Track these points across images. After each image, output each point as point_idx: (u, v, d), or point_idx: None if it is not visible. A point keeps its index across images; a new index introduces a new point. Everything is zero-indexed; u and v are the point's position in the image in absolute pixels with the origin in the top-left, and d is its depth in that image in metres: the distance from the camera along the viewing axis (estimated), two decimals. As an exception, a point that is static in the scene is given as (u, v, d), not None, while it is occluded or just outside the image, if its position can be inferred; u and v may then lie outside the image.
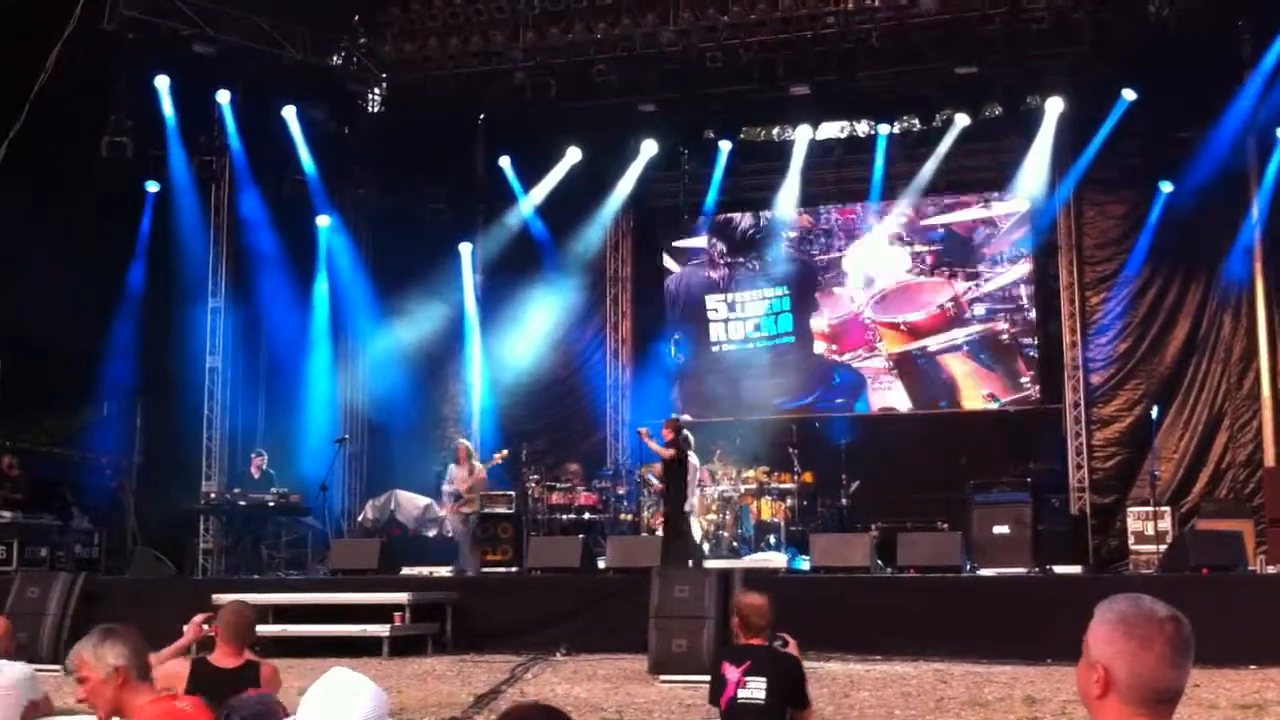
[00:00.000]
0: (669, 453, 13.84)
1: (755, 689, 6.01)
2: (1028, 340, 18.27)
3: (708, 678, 7.35)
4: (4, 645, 6.75)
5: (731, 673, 6.06)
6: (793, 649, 6.56)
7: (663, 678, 8.93)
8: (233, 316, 18.89)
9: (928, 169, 18.18)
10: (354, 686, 2.75)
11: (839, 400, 18.95)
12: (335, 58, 18.94)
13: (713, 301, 19.68)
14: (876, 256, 18.97)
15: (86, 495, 16.98)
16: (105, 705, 4.51)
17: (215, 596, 11.90)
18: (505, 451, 16.06)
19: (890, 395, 18.75)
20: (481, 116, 19.62)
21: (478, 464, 15.79)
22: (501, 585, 13.33)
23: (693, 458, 14.26)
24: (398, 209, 19.49)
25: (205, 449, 18.03)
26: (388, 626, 11.28)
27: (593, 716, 7.42)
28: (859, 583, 11.75)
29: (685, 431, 14.19)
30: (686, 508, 13.62)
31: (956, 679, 9.12)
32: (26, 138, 14.59)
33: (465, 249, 19.84)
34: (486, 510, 15.12)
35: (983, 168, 18.58)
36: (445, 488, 16.07)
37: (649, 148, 19.05)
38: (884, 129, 18.56)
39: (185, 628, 6.62)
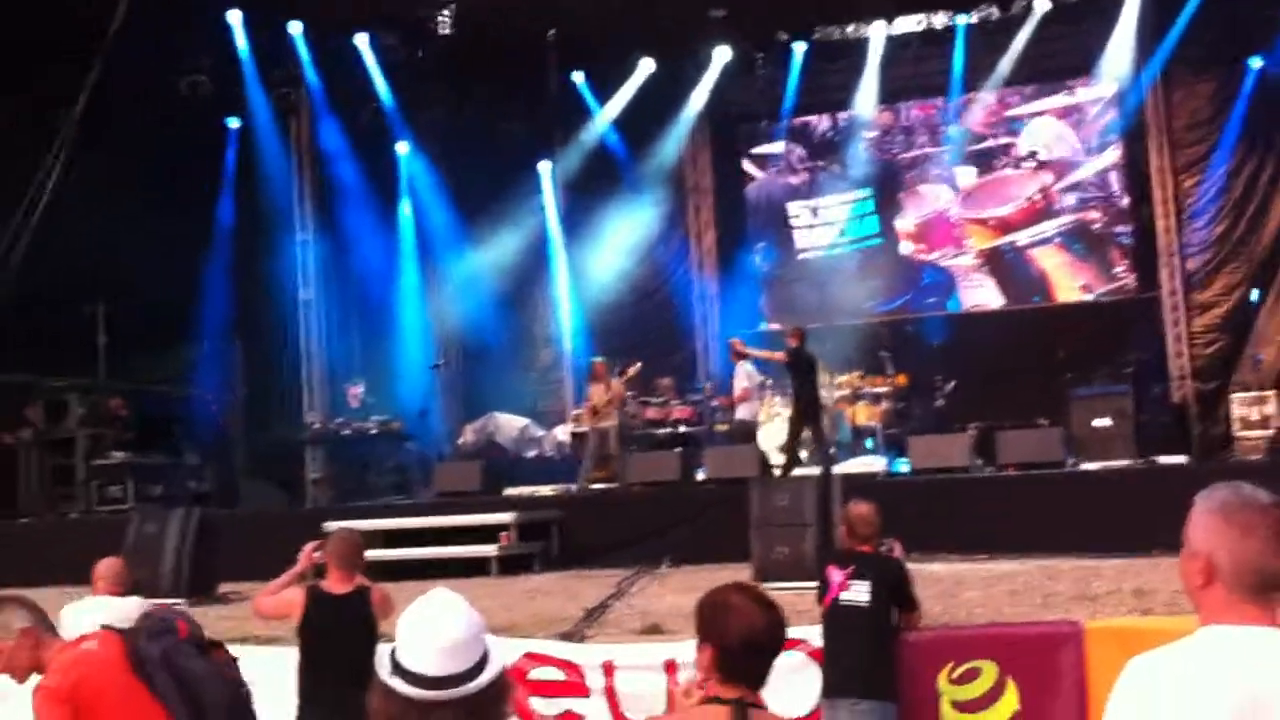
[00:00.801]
0: (779, 355, 14.01)
1: (859, 592, 6.08)
2: (1121, 228, 17.91)
3: (811, 584, 7.44)
4: (119, 583, 6.95)
5: (835, 575, 6.13)
6: (898, 553, 6.60)
7: (766, 585, 9.00)
8: (320, 248, 19.14)
9: (1009, 58, 17.75)
10: (448, 605, 2.79)
11: (930, 300, 18.76)
12: (403, -17, 18.90)
13: (795, 208, 19.50)
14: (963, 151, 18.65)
15: (194, 432, 17.39)
16: (23, 668, 4.57)
17: (325, 525, 12.22)
18: (639, 364, 15.90)
19: (981, 293, 18.52)
20: (552, 33, 19.47)
21: (614, 380, 15.66)
22: (603, 502, 13.49)
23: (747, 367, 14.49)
24: (474, 131, 19.47)
25: (304, 381, 18.37)
26: (495, 546, 11.49)
27: (701, 626, 7.52)
28: (960, 483, 11.72)
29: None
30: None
31: (1063, 574, 9.09)
32: (105, 83, 14.80)
33: (544, 168, 19.83)
34: (581, 430, 15.20)
35: (1066, 53, 18.07)
36: (583, 407, 16.03)
37: (722, 55, 18.81)
38: (962, 19, 18.11)
39: (299, 556, 6.77)
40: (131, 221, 15.48)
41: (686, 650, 6.88)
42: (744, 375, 15.35)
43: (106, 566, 7.04)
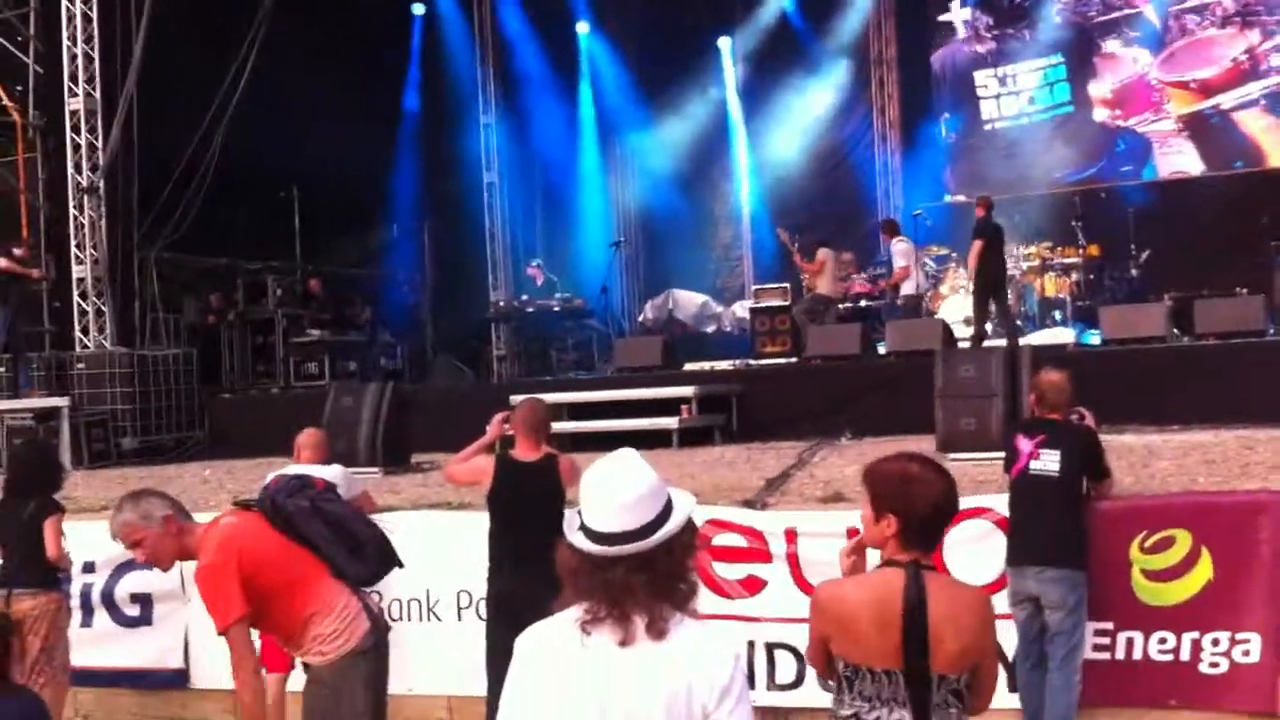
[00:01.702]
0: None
1: (1049, 461, 5.94)
2: (1333, 88, 16.87)
3: (997, 455, 7.32)
4: (321, 452, 7.27)
5: (1025, 444, 6.01)
6: (1089, 422, 6.45)
7: (951, 455, 8.90)
8: (504, 131, 19.36)
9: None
10: (625, 464, 2.85)
11: (1125, 169, 18.04)
12: None
13: (982, 78, 18.86)
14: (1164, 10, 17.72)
15: (386, 311, 17.93)
16: (169, 555, 4.73)
17: (512, 397, 12.51)
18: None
19: (1180, 159, 17.72)
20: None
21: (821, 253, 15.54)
22: (783, 375, 13.47)
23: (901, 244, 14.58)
24: (654, 8, 19.29)
25: (490, 260, 18.73)
26: (676, 419, 11.57)
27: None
28: (1154, 353, 11.32)
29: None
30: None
31: (1262, 444, 8.75)
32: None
33: (724, 43, 19.59)
34: (761, 305, 15.14)
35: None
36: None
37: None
38: None
39: (487, 426, 6.95)
40: (323, 108, 15.89)
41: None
42: (900, 254, 15.04)
43: (309, 436, 7.36)
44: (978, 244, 13.20)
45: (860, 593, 3.31)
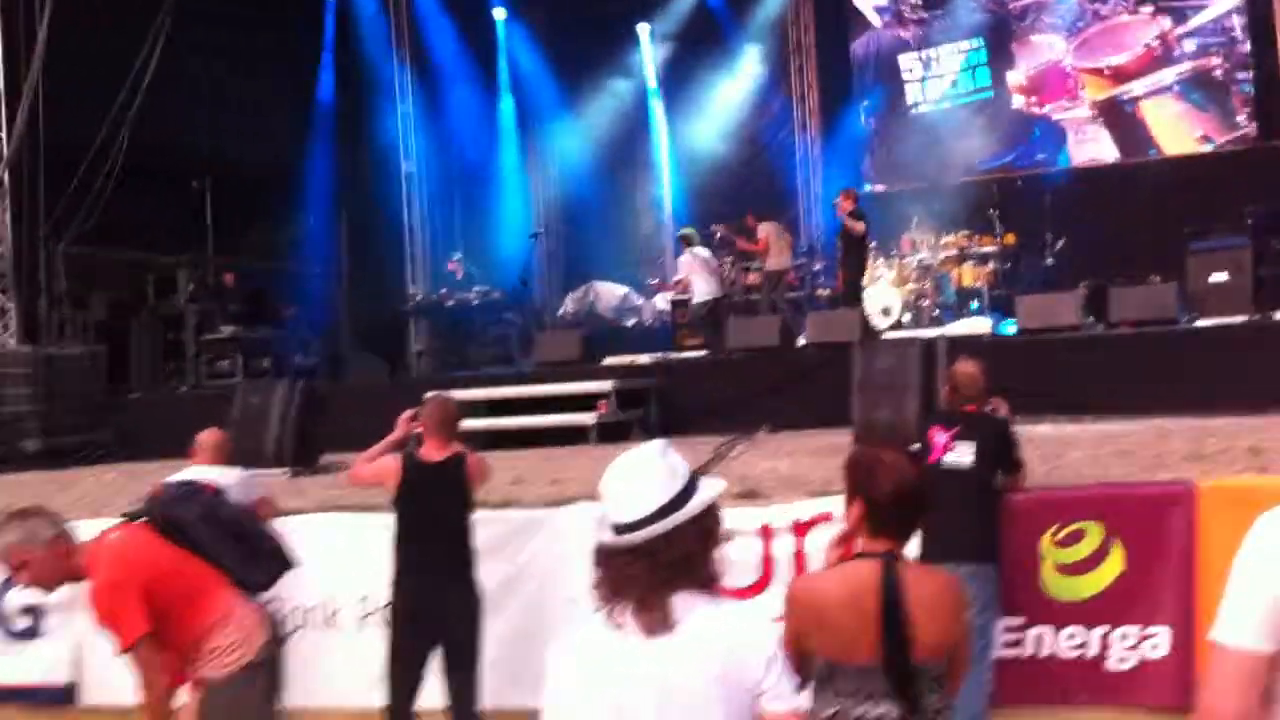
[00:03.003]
0: (860, 226, 13.88)
1: (963, 452, 5.88)
2: (1243, 75, 17.02)
3: (914, 446, 7.28)
4: (219, 454, 7.03)
5: (939, 436, 5.94)
6: (1003, 413, 6.40)
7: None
8: (421, 120, 19.08)
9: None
10: (632, 456, 2.84)
11: (1040, 156, 18.12)
12: None
13: (906, 61, 18.84)
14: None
15: (300, 304, 17.60)
16: (55, 578, 4.55)
17: (427, 395, 12.30)
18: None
19: (1095, 147, 17.85)
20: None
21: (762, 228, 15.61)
22: (702, 368, 13.38)
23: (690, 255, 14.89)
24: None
25: (408, 252, 18.46)
26: (593, 414, 11.47)
27: (799, 489, 7.44)
28: (1069, 342, 11.37)
29: None
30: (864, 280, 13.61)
31: (1175, 434, 8.80)
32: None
33: (643, 30, 19.43)
34: (681, 297, 15.05)
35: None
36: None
37: (827, -99, 18.17)
38: None
39: (396, 425, 6.77)
40: (234, 97, 15.58)
41: (781, 514, 6.84)
42: (680, 265, 15.55)
43: (207, 437, 7.15)
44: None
45: (835, 587, 3.35)
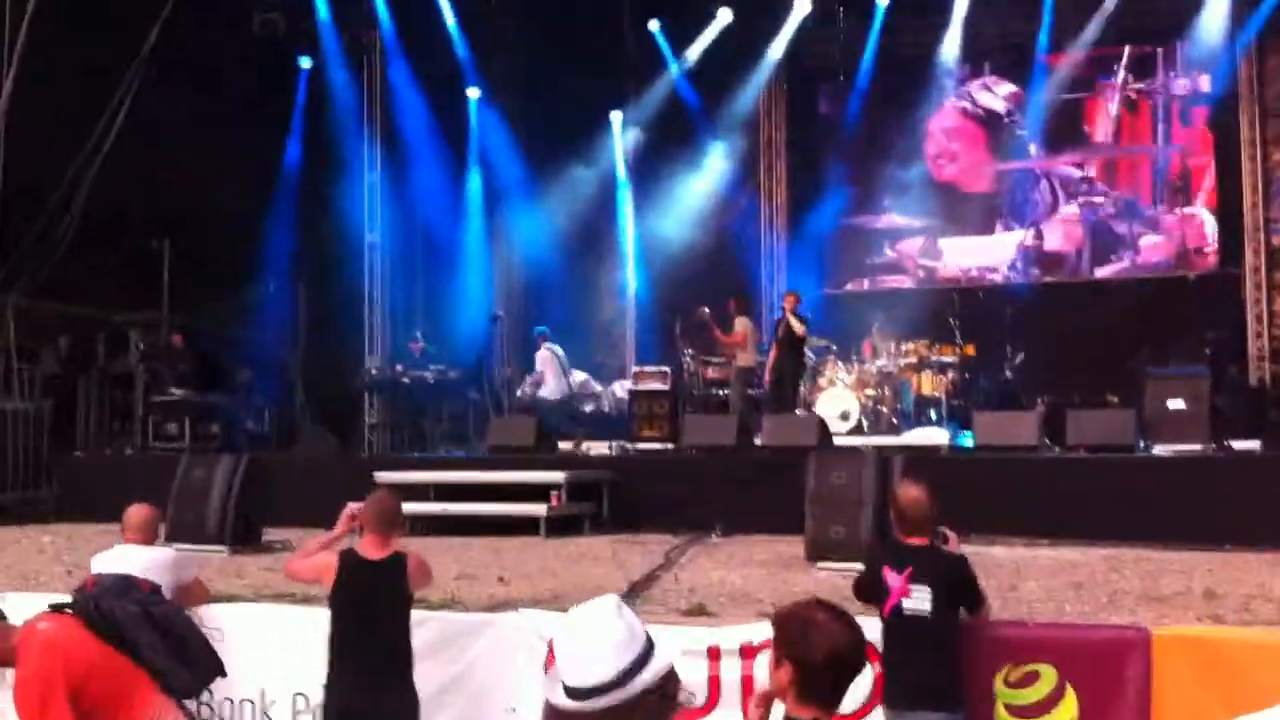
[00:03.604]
0: (801, 327, 14.10)
1: (920, 598, 5.65)
2: (1206, 201, 17.32)
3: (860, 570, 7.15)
4: (147, 534, 6.74)
5: (893, 579, 5.72)
6: (954, 545, 6.26)
7: (820, 565, 8.75)
8: (388, 192, 19.00)
9: (1098, 18, 17.16)
10: (590, 615, 2.71)
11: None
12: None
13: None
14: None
15: (255, 371, 17.35)
16: None
17: (377, 474, 12.10)
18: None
19: (1056, 260, 18.08)
20: (630, -21, 19.10)
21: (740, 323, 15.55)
22: (657, 464, 13.27)
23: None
24: (546, 78, 19.13)
25: (367, 325, 18.29)
26: (545, 506, 11.30)
27: (749, 608, 7.28)
28: (1026, 463, 11.35)
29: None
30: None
31: (1129, 566, 8.75)
32: (178, 17, 14.66)
33: (615, 118, 19.55)
34: (640, 388, 14.95)
35: (1156, 14, 17.41)
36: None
37: (802, 5, 18.40)
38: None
39: (338, 520, 6.58)
40: (199, 158, 15.40)
41: (730, 636, 6.67)
42: (538, 360, 16.24)
43: (136, 515, 6.78)
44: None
45: None
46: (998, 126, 18.53)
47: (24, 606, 7.00)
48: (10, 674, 4.54)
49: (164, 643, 4.62)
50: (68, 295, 15.58)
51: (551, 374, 15.74)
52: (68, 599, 6.40)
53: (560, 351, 16.13)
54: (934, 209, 18.70)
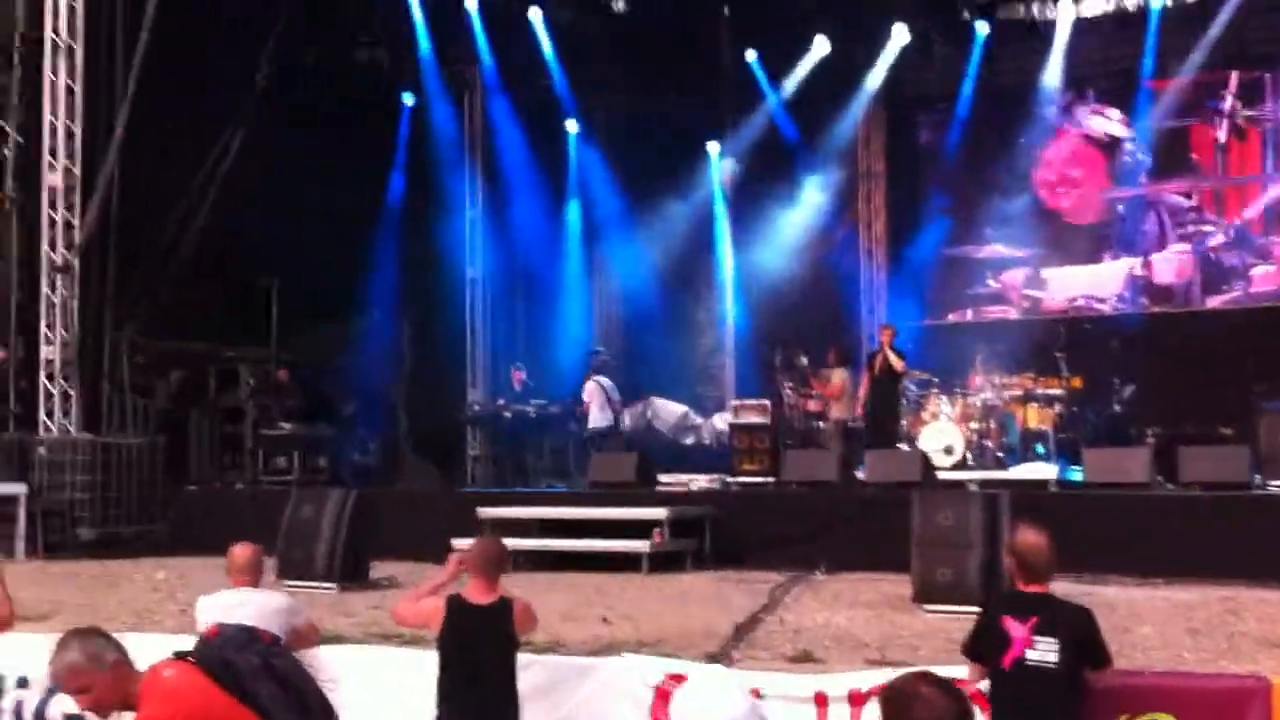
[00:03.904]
0: (900, 363, 13.95)
1: (1046, 650, 5.36)
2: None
3: (974, 608, 6.99)
4: (254, 576, 6.81)
5: (1016, 629, 5.40)
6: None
7: (927, 607, 8.65)
8: (488, 227, 19.22)
9: (1205, 42, 16.84)
10: (713, 693, 2.71)
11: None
12: (580, -47, 18.78)
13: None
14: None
15: (360, 404, 17.60)
16: (114, 704, 4.32)
17: (480, 510, 12.24)
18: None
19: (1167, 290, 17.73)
20: (726, 10, 19.14)
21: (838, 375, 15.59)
22: (760, 499, 13.20)
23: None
24: (644, 110, 19.26)
25: (469, 359, 18.48)
26: (647, 543, 11.32)
27: (857, 652, 7.22)
28: (1138, 500, 11.11)
29: None
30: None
31: (1248, 609, 8.53)
32: (283, 57, 14.99)
33: (713, 149, 19.57)
34: (740, 421, 14.90)
35: (1264, 38, 17.03)
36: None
37: (900, 34, 18.27)
38: (1156, 1, 17.23)
39: (445, 566, 6.62)
40: (305, 195, 15.71)
41: (838, 683, 6.60)
42: (585, 391, 16.22)
43: (241, 557, 6.80)
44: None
45: None
46: (1115, 153, 18.24)
47: (141, 646, 7.19)
48: (130, 718, 4.62)
49: (284, 695, 4.65)
50: (179, 332, 15.95)
51: (596, 405, 15.87)
52: (182, 640, 6.56)
53: (608, 383, 16.18)
54: (1038, 238, 18.45)
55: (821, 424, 15.89)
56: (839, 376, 15.03)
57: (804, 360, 16.05)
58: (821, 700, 6.52)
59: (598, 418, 15.81)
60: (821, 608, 9.00)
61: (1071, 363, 15.22)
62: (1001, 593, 6.61)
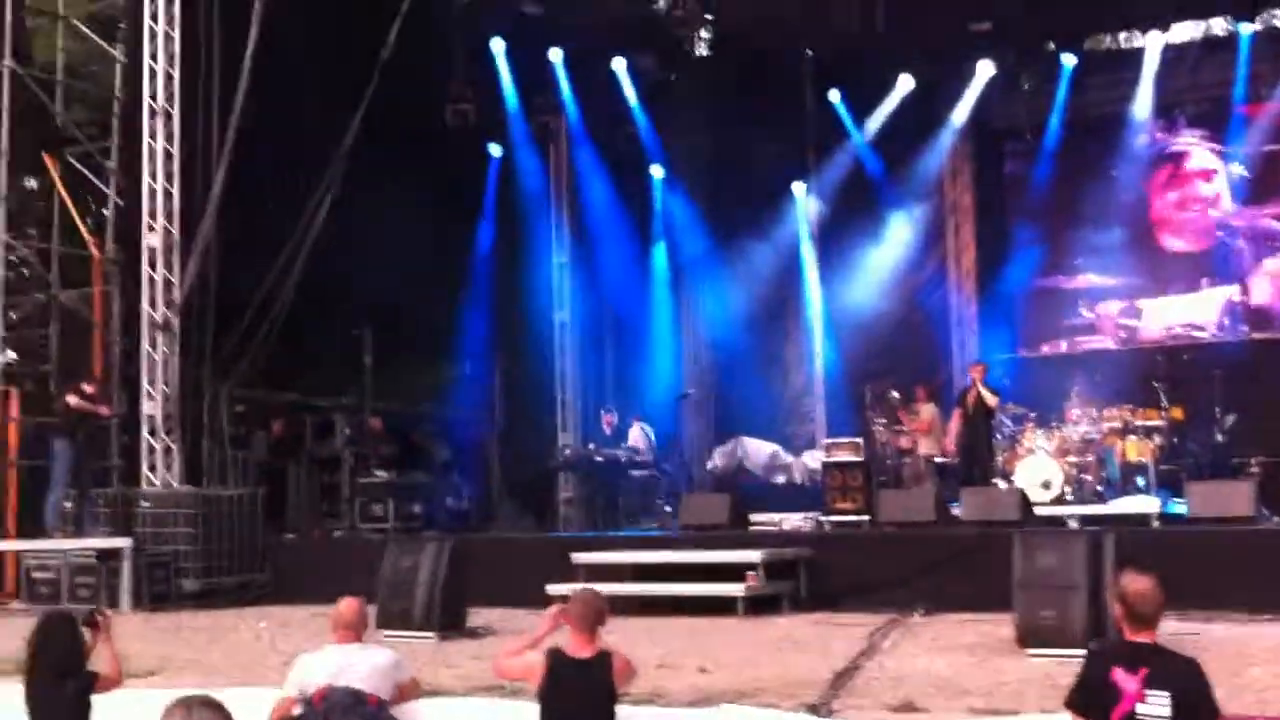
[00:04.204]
0: (994, 399, 13.84)
1: (1158, 704, 5.13)
2: None
3: (1079, 651, 6.86)
4: (358, 631, 6.87)
5: (1126, 682, 5.16)
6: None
7: (1031, 651, 8.50)
8: (576, 271, 19.39)
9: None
10: None
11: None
12: (660, 2, 18.91)
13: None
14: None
15: (453, 450, 17.78)
16: None
17: (574, 556, 12.28)
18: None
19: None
20: (809, 52, 19.19)
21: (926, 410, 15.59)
22: (854, 541, 13.08)
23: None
24: (729, 153, 19.35)
25: (559, 403, 18.61)
26: (742, 586, 11.27)
27: (959, 701, 7.11)
28: (1244, 535, 10.86)
29: None
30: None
31: (1365, 649, 8.28)
32: (376, 110, 15.27)
33: (798, 189, 19.57)
34: (833, 460, 14.82)
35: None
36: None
37: (985, 69, 18.18)
38: (1246, 27, 16.98)
39: (543, 619, 6.66)
40: (396, 247, 15.98)
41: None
42: (634, 436, 16.93)
43: (346, 613, 6.86)
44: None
45: None
46: (1209, 180, 17.95)
47: (249, 701, 7.31)
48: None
49: None
50: (275, 384, 16.24)
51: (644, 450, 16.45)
52: (281, 689, 6.67)
53: (651, 432, 16.71)
54: (1133, 267, 18.21)
55: (906, 460, 15.78)
56: (927, 412, 14.93)
57: (895, 396, 15.97)
58: (921, 751, 6.46)
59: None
60: (922, 652, 8.89)
61: (1171, 393, 14.96)
62: (1107, 642, 6.33)
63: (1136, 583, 5.51)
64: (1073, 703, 5.38)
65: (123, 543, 13.68)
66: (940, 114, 18.56)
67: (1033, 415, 15.18)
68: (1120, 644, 5.47)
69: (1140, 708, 5.14)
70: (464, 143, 18.44)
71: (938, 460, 15.47)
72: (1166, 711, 5.03)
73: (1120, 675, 5.18)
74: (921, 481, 14.40)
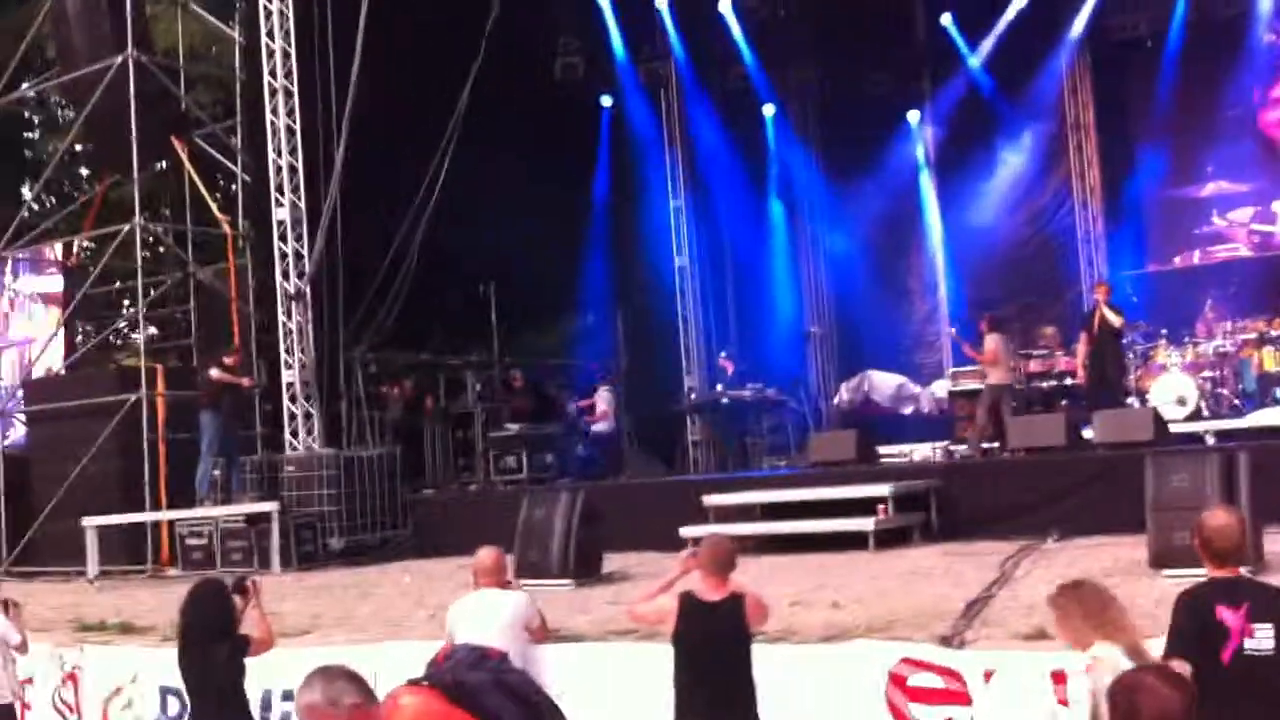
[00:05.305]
0: (1119, 320, 13.52)
1: (1264, 637, 4.93)
2: None
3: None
4: (499, 577, 7.11)
5: (1230, 618, 4.96)
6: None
7: (1165, 572, 8.43)
8: (693, 214, 19.43)
9: None
10: None
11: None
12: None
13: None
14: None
15: (582, 400, 18.04)
16: None
17: (704, 498, 12.44)
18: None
19: None
20: (919, -25, 18.85)
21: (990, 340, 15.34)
22: (984, 469, 13.00)
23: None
24: (840, 86, 19.15)
25: (683, 347, 18.73)
26: (872, 520, 11.31)
27: (1092, 624, 7.09)
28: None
29: None
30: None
31: None
32: (486, 70, 15.48)
33: (913, 117, 19.28)
34: (959, 388, 14.72)
35: None
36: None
37: (1102, -23, 17.65)
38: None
39: (676, 564, 6.81)
40: (516, 202, 16.24)
41: (1073, 659, 6.52)
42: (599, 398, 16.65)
43: (486, 560, 7.13)
44: None
45: None
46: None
47: (397, 655, 7.62)
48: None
49: (518, 708, 4.89)
50: (407, 344, 16.66)
51: (611, 412, 16.80)
52: (435, 647, 6.94)
53: (618, 392, 17.06)
54: (1265, 171, 17.54)
55: (1046, 384, 15.55)
56: (991, 342, 14.51)
57: (954, 331, 15.66)
58: (1059, 678, 6.46)
59: (603, 426, 16.85)
60: (1055, 578, 8.82)
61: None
62: (1195, 585, 5.93)
63: (1216, 518, 5.28)
64: (1174, 653, 5.06)
65: (270, 507, 14.23)
66: (1057, 29, 18.06)
67: (1164, 331, 14.86)
68: (1212, 583, 5.23)
69: (1248, 643, 4.99)
70: (574, 95, 18.59)
71: (1065, 384, 15.21)
72: (1271, 643, 4.90)
73: (1223, 611, 5.00)
74: (992, 412, 14.10)
